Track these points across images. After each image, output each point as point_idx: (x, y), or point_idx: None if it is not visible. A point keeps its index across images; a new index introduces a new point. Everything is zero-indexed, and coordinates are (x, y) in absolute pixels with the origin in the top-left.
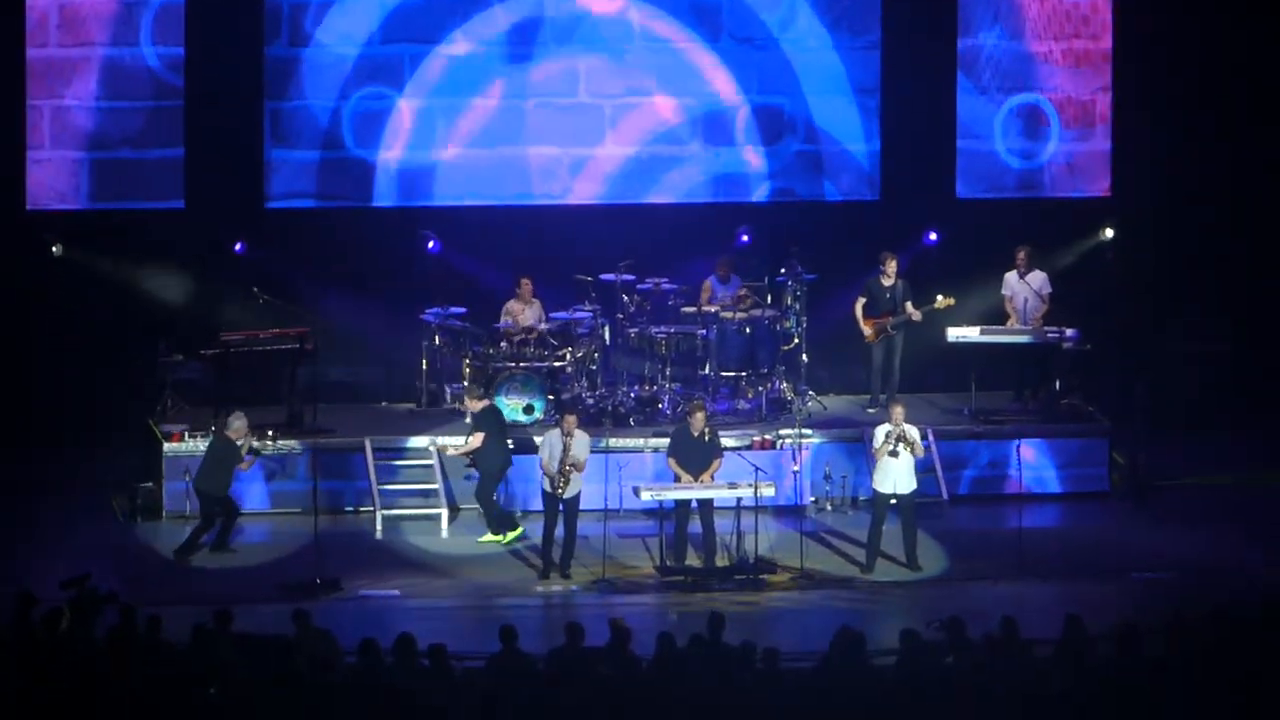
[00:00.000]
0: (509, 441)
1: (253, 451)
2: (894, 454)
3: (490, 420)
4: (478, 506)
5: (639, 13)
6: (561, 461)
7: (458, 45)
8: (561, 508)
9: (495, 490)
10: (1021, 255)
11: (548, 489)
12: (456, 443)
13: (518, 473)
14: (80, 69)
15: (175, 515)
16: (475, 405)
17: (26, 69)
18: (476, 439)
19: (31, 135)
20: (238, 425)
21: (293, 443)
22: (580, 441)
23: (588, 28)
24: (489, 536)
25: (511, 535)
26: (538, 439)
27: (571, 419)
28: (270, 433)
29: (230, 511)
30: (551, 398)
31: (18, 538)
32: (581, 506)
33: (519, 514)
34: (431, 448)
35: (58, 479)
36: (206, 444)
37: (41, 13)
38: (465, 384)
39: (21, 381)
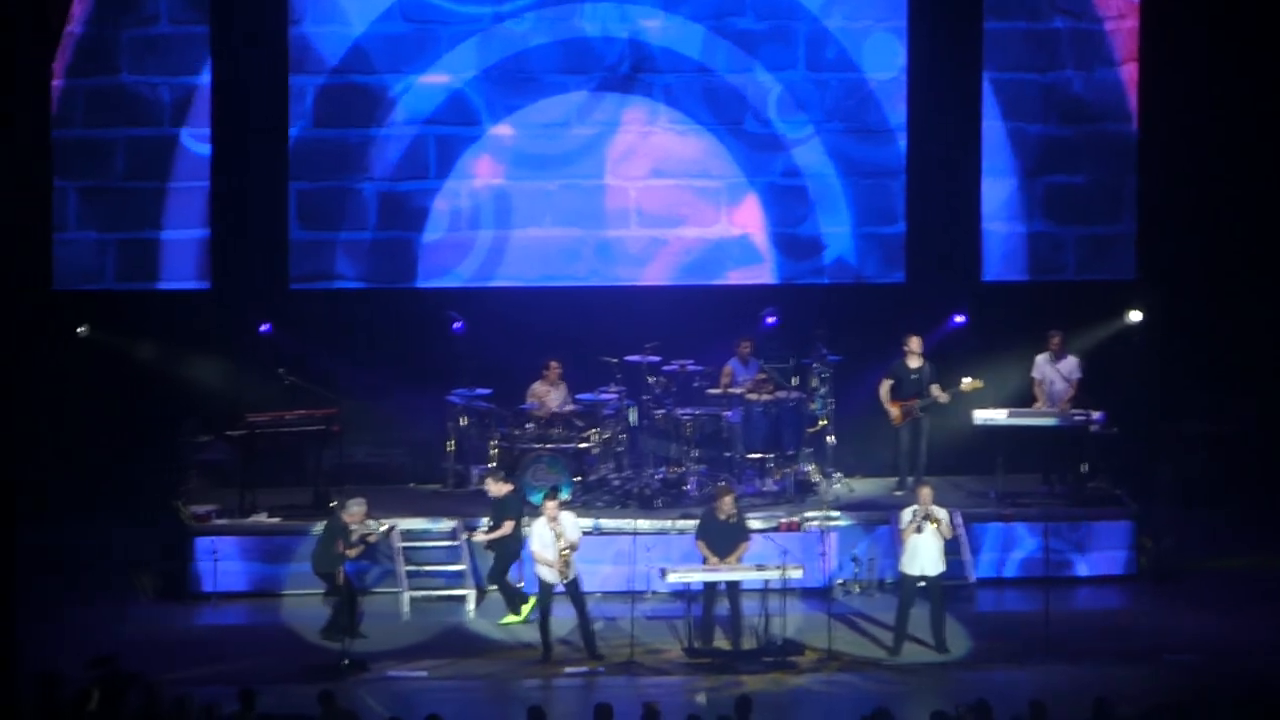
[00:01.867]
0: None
1: (363, 540)
2: (919, 530)
3: (515, 505)
4: (496, 586)
5: (663, 102)
6: (559, 548)
7: (481, 128)
8: (562, 590)
9: (509, 570)
10: (1055, 339)
11: (545, 577)
12: (484, 531)
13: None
14: (106, 150)
15: (200, 595)
16: (498, 489)
17: (53, 150)
18: (507, 527)
19: (57, 216)
20: (355, 510)
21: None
22: (568, 523)
23: (613, 112)
24: (510, 617)
25: (527, 609)
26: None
27: (551, 504)
28: (387, 525)
29: (348, 593)
30: (578, 479)
31: (43, 617)
32: (608, 588)
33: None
34: (462, 535)
35: (83, 559)
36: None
37: (68, 94)
38: (492, 466)
39: (46, 461)
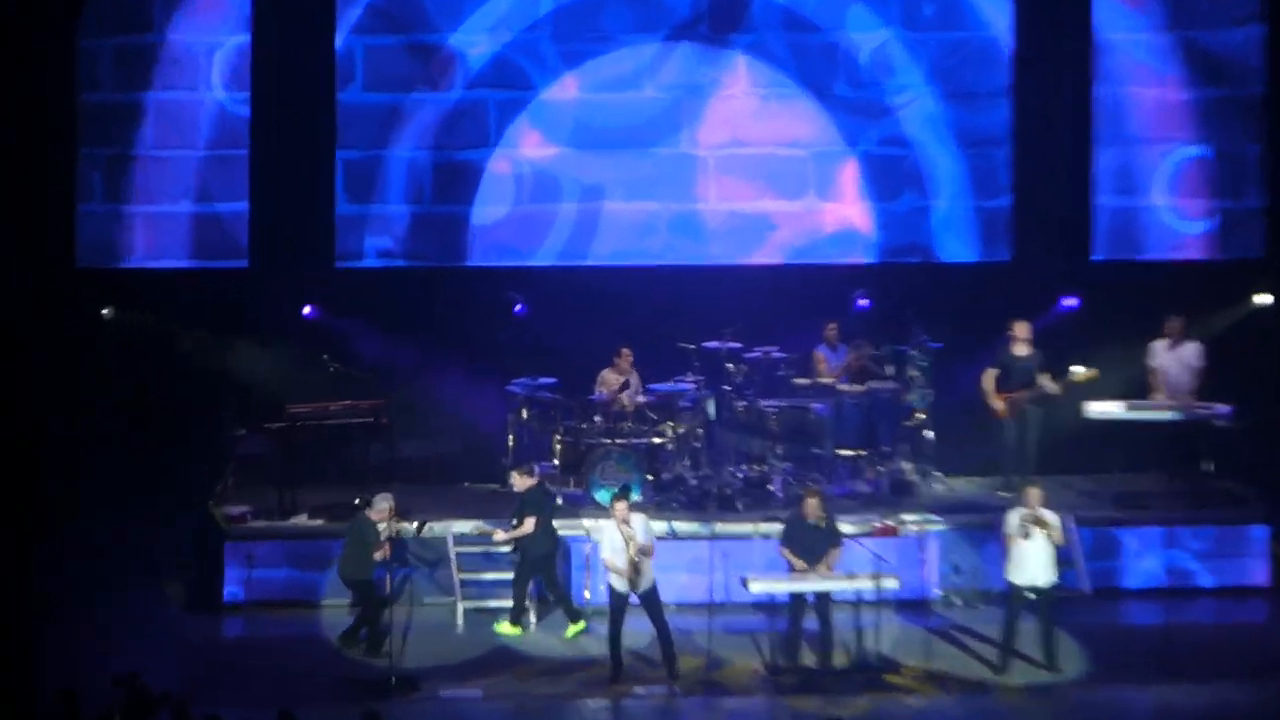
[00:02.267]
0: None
1: (391, 539)
2: (1027, 536)
3: (540, 501)
4: (551, 596)
5: (745, 60)
6: (629, 553)
7: (544, 91)
8: (637, 601)
9: (552, 577)
10: (1175, 325)
11: (616, 586)
12: (503, 529)
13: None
14: (135, 114)
15: (234, 604)
16: (523, 482)
17: (78, 114)
18: (528, 524)
19: (82, 186)
20: (382, 506)
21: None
22: (640, 526)
23: (691, 73)
24: (504, 625)
25: (575, 629)
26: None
27: (621, 505)
28: (417, 523)
29: (375, 601)
30: (650, 478)
31: (64, 627)
32: (684, 599)
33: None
34: (476, 534)
35: (111, 559)
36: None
37: (94, 54)
38: (555, 461)
39: (71, 454)
